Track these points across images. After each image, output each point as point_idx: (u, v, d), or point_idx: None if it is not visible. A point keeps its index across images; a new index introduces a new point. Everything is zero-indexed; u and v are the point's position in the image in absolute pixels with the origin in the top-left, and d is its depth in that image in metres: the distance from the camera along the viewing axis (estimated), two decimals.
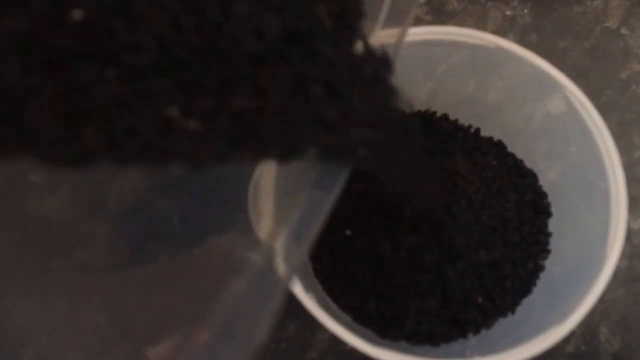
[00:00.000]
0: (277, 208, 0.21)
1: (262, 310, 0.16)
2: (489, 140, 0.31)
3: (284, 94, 0.13)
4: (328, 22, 0.14)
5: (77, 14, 0.10)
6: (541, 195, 0.29)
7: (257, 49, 0.12)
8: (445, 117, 0.31)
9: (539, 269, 0.28)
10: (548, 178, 0.29)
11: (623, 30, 0.38)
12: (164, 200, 0.25)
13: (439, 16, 0.38)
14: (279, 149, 0.15)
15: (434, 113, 0.31)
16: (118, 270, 0.25)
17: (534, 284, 0.27)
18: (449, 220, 0.27)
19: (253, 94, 0.13)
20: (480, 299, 0.27)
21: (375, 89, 0.16)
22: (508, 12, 0.38)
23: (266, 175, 0.21)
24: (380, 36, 0.18)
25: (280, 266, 0.17)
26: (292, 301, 0.20)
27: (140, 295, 0.24)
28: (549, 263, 0.28)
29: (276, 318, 0.16)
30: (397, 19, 0.18)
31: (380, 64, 0.16)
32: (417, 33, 0.25)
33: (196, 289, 0.23)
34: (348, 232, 0.27)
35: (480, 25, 0.38)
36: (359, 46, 0.15)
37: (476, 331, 0.27)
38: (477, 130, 0.31)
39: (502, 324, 0.27)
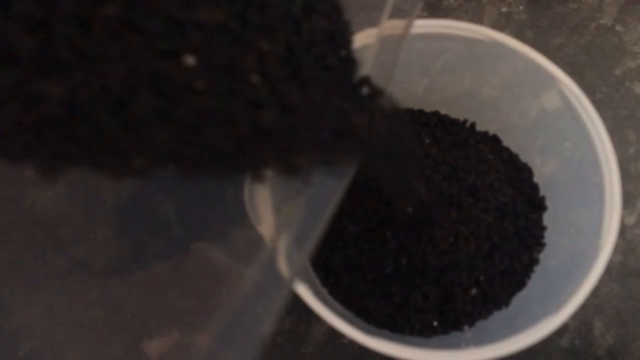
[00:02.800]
0: (276, 210, 0.21)
1: (264, 312, 0.16)
2: (484, 134, 0.31)
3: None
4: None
5: None
6: (536, 189, 0.29)
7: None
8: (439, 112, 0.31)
9: (534, 262, 0.28)
10: (543, 172, 0.30)
11: (618, 27, 0.38)
12: (162, 196, 0.25)
13: (435, 12, 0.38)
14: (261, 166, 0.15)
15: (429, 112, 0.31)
16: (115, 266, 0.25)
17: (529, 277, 0.28)
18: (444, 215, 0.27)
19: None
20: (475, 292, 0.27)
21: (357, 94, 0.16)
22: (504, 9, 0.38)
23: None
24: (385, 27, 0.18)
25: (283, 268, 0.17)
26: None
27: (137, 291, 0.24)
28: (544, 256, 0.28)
29: (278, 318, 0.16)
30: (401, 14, 0.19)
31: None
32: (413, 26, 0.25)
33: (194, 288, 0.23)
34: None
35: (476, 21, 0.38)
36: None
37: (471, 324, 0.27)
38: (473, 124, 0.31)
39: (497, 316, 0.27)
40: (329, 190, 0.17)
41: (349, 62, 0.15)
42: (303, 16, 0.13)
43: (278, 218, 0.21)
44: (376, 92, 0.16)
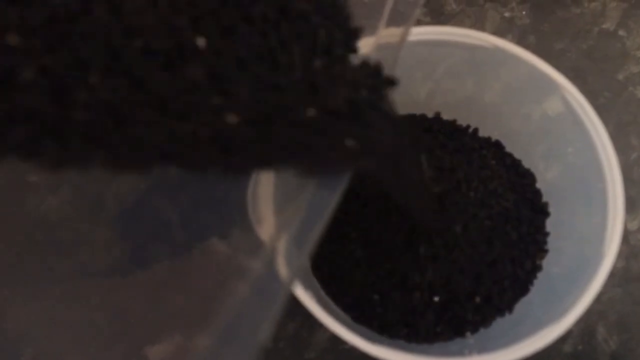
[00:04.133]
0: (278, 212, 0.21)
1: (264, 313, 0.16)
2: (487, 140, 0.31)
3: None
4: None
5: None
6: (539, 194, 0.29)
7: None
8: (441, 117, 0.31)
9: (537, 268, 0.28)
10: (546, 178, 0.29)
11: (621, 32, 0.38)
12: (163, 200, 0.25)
13: (438, 17, 0.38)
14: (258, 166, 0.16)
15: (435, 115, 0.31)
16: (117, 270, 0.25)
17: (532, 283, 0.27)
18: (447, 220, 0.27)
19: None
20: (478, 299, 0.27)
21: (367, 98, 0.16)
22: (506, 14, 0.38)
23: (264, 179, 0.21)
24: (382, 35, 0.18)
25: (282, 269, 0.17)
26: (290, 300, 0.20)
27: (139, 295, 0.24)
28: (547, 263, 0.28)
29: (278, 320, 0.16)
30: (399, 20, 0.19)
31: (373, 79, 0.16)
32: (416, 33, 0.25)
33: (196, 291, 0.23)
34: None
35: (479, 26, 0.38)
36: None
37: (474, 330, 0.27)
38: (475, 130, 0.31)
39: (500, 323, 0.27)
40: (328, 190, 0.17)
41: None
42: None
43: (279, 218, 0.21)
44: (384, 98, 0.16)
